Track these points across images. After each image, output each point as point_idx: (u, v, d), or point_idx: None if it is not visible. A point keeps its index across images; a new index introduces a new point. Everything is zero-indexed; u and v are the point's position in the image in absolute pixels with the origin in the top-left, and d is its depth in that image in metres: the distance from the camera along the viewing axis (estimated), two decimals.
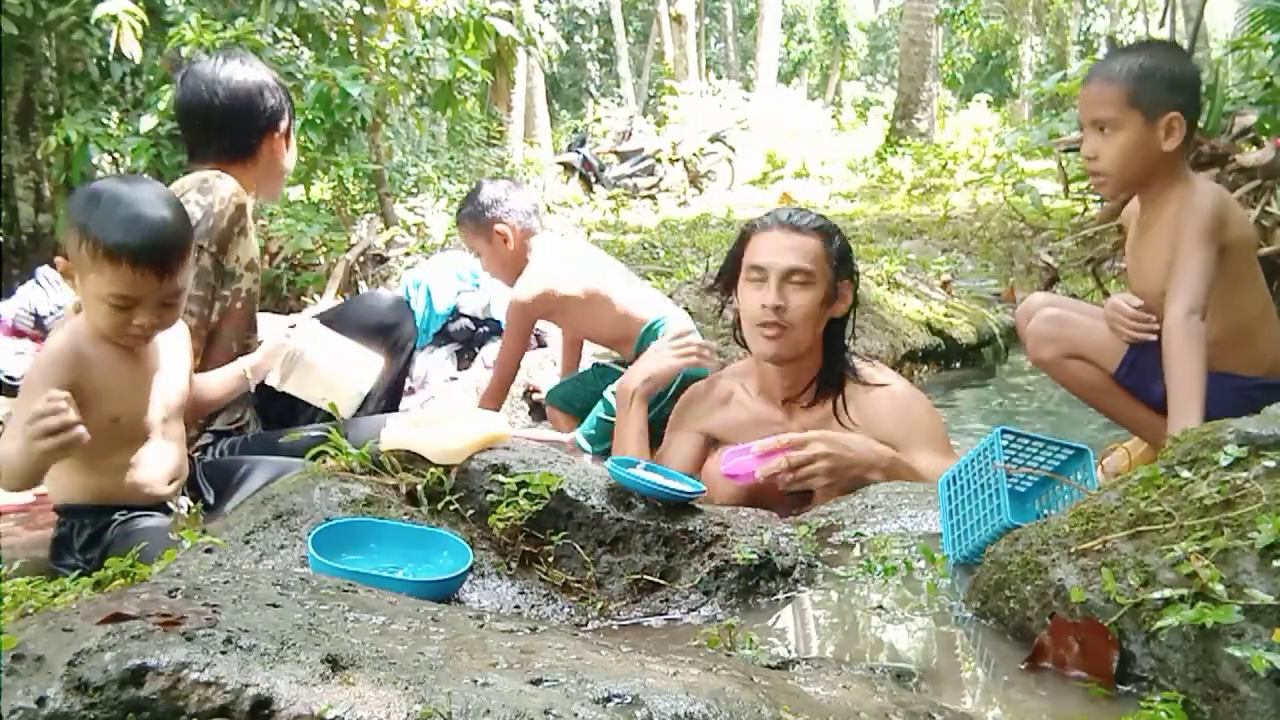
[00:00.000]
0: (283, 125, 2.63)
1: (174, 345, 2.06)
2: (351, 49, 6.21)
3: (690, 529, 1.56)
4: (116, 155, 6.06)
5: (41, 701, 0.80)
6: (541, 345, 4.14)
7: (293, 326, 2.37)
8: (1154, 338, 2.26)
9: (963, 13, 18.23)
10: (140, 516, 1.97)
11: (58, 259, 1.92)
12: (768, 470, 2.01)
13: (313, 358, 2.33)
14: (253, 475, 2.21)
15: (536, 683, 0.93)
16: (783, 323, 2.18)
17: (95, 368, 1.90)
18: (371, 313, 2.83)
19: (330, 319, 2.74)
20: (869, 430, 2.20)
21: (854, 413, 2.25)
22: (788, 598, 1.49)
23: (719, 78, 21.93)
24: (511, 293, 3.12)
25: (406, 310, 2.98)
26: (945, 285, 5.41)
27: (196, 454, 2.37)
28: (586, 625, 1.43)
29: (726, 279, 2.36)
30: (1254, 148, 4.08)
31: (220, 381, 2.27)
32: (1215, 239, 2.14)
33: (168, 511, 2.00)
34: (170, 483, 2.03)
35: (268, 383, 2.33)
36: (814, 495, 2.20)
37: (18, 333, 3.71)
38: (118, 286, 1.83)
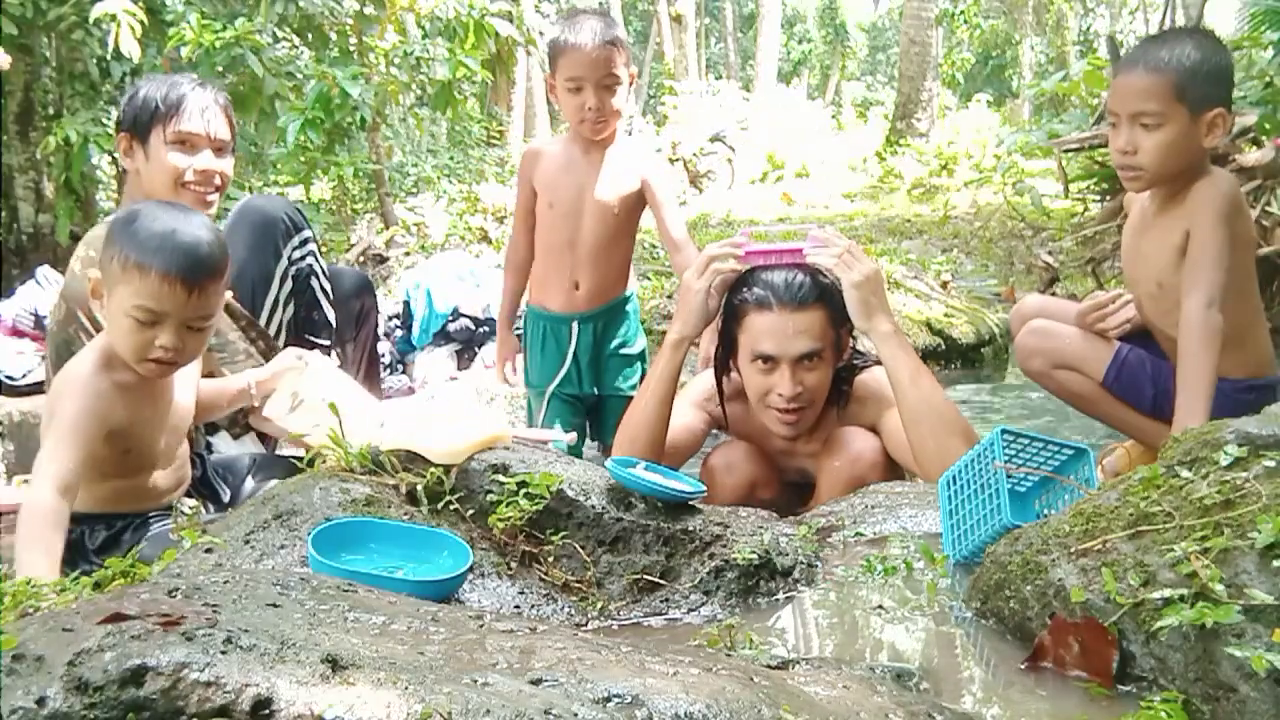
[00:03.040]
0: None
1: (185, 371, 2.01)
2: (351, 49, 6.22)
3: (690, 529, 1.56)
4: (116, 155, 6.06)
5: (41, 701, 0.79)
6: None
7: (299, 358, 2.27)
8: (1133, 313, 2.33)
9: (963, 13, 18.25)
10: (154, 519, 1.97)
11: (89, 273, 1.88)
12: (820, 241, 2.11)
13: (321, 400, 2.28)
14: (267, 470, 2.24)
15: (536, 683, 0.93)
16: (802, 404, 2.13)
17: (117, 407, 1.85)
18: (337, 286, 2.86)
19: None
20: (854, 406, 2.24)
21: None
22: (788, 598, 1.49)
23: (719, 78, 21.91)
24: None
25: (368, 283, 3.12)
26: (945, 285, 5.41)
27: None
28: (586, 625, 1.43)
29: (724, 358, 2.24)
30: (1254, 148, 4.08)
31: (222, 391, 2.23)
32: (1231, 224, 2.12)
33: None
34: (175, 489, 2.04)
35: (265, 413, 2.29)
36: (814, 494, 2.21)
37: (18, 333, 3.70)
38: (143, 298, 1.78)
